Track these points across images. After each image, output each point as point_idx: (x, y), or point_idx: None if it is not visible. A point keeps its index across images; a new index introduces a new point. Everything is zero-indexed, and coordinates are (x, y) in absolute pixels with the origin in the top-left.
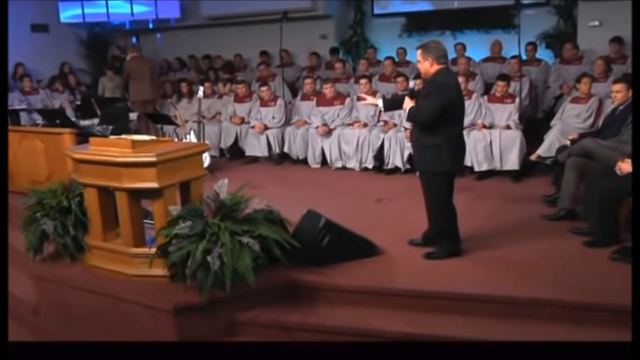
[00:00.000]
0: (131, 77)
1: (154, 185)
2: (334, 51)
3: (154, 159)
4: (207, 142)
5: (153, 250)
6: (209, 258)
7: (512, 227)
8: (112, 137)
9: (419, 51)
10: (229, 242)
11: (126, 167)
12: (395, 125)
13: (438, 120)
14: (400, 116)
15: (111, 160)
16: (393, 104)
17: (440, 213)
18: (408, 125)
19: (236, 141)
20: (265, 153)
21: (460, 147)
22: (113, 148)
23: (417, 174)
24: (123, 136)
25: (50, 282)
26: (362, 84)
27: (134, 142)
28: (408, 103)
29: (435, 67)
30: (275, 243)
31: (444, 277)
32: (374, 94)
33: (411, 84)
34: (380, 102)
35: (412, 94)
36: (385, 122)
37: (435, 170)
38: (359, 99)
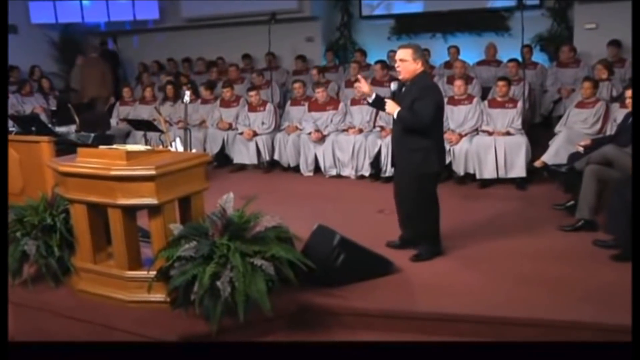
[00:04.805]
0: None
1: (152, 201)
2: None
3: (153, 172)
4: (193, 150)
5: (152, 273)
6: (218, 283)
7: (530, 239)
8: (102, 147)
9: (410, 50)
10: (241, 265)
11: (121, 181)
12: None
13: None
14: None
15: (103, 173)
16: (378, 103)
17: (428, 214)
18: (383, 123)
19: (223, 148)
20: (254, 160)
21: (443, 149)
22: (104, 160)
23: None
24: (115, 146)
25: (30, 309)
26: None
27: (128, 153)
28: (393, 106)
29: (421, 69)
30: (289, 264)
31: (469, 297)
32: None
33: (393, 86)
34: (374, 96)
35: (394, 97)
36: (382, 127)
37: (423, 172)
38: (357, 80)
